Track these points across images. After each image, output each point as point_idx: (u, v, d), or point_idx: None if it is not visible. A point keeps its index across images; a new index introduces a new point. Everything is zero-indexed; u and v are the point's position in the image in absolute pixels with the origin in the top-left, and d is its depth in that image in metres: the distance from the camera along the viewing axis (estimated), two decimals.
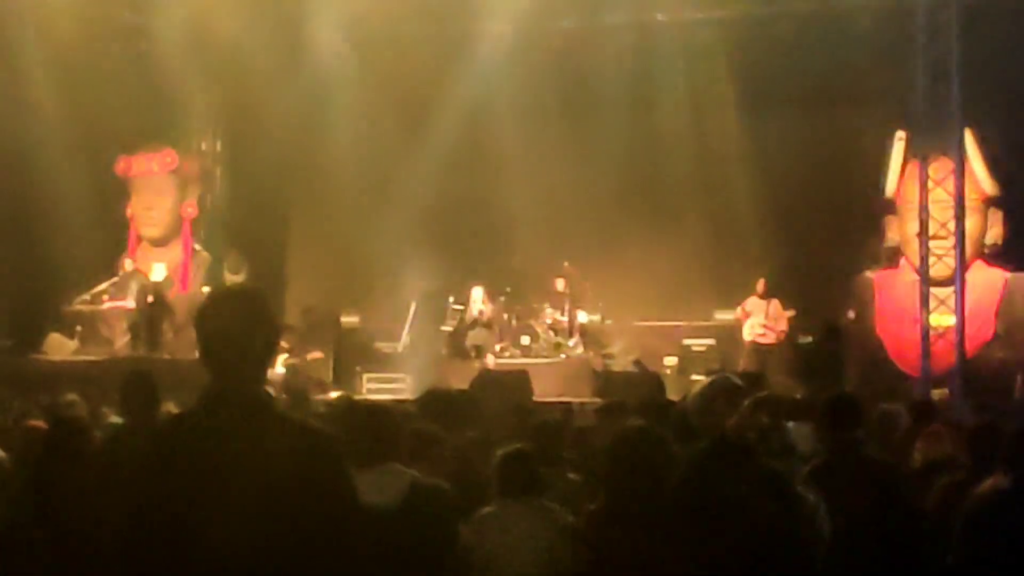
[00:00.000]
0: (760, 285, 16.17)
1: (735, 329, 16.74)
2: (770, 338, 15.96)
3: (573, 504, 5.60)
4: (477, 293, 17.40)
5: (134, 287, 17.57)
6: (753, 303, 16.33)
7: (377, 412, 5.46)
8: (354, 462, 5.11)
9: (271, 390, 3.95)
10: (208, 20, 17.59)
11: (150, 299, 17.33)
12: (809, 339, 13.72)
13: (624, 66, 17.57)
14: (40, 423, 7.31)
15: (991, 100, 14.38)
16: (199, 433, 3.61)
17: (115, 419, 7.44)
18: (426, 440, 5.88)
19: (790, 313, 16.03)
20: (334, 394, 13.55)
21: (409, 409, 7.97)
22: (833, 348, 12.58)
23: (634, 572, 4.71)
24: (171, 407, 6.43)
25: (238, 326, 3.70)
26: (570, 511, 5.42)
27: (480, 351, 17.00)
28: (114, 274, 18.09)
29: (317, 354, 16.30)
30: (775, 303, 16.17)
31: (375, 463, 5.20)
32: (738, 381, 5.63)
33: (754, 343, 16.05)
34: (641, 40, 17.69)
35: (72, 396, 9.08)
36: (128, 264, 18.11)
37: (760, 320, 16.05)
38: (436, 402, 8.34)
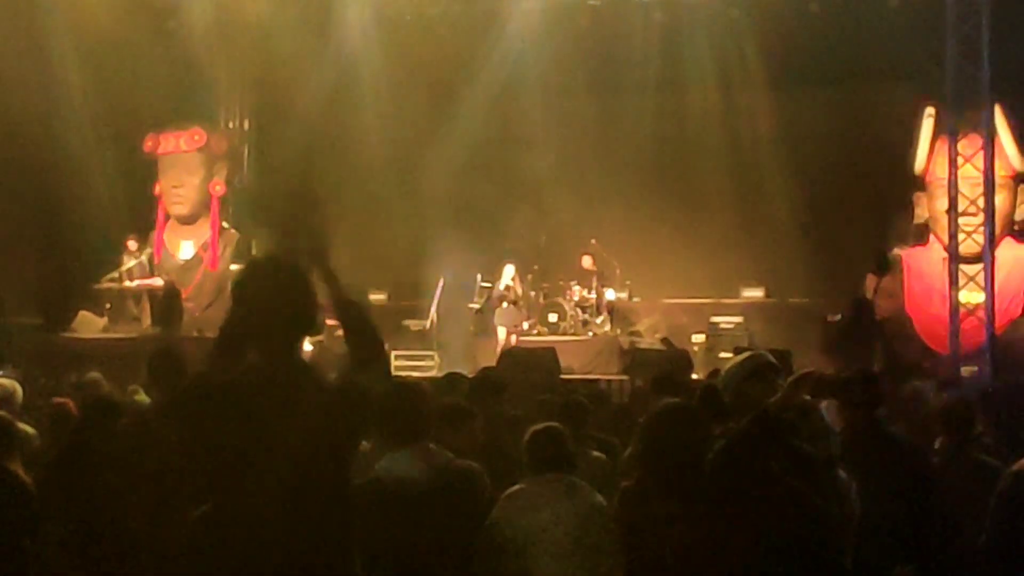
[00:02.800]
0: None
1: (764, 306, 16.76)
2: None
3: (599, 482, 5.59)
4: (509, 270, 17.40)
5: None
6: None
7: (409, 391, 5.44)
8: (386, 442, 5.14)
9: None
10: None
11: (167, 277, 17.44)
12: (839, 316, 13.61)
13: (652, 43, 17.48)
14: (67, 400, 7.33)
15: (1021, 76, 14.30)
16: (236, 397, 3.76)
17: (141, 397, 7.44)
18: (459, 414, 5.86)
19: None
20: None
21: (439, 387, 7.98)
22: (862, 325, 12.53)
23: (668, 551, 4.70)
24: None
25: (276, 295, 3.78)
26: (597, 489, 5.41)
27: (506, 327, 16.98)
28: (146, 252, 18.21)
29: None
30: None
31: (408, 442, 5.19)
32: (772, 359, 5.56)
33: None
34: (669, 17, 17.61)
35: (94, 374, 9.11)
36: (132, 244, 18.15)
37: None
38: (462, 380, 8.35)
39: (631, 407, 9.17)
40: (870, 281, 15.37)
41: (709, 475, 4.79)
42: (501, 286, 17.39)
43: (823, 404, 6.36)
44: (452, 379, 8.47)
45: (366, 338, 3.94)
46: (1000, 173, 14.34)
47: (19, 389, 8.03)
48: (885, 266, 15.12)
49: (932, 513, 5.85)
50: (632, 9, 17.78)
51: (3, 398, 7.53)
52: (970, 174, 13.78)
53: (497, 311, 17.28)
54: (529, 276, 17.60)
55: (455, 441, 5.62)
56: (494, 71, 17.57)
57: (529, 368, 13.11)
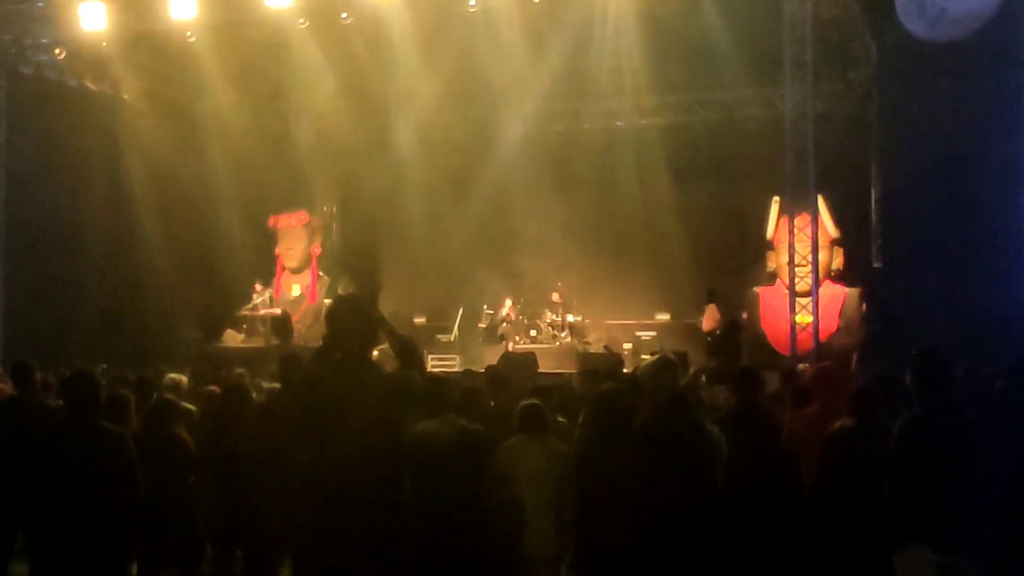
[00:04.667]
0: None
1: (669, 325, 16.82)
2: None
3: (562, 437, 5.59)
4: (508, 302, 17.41)
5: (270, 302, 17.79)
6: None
7: (438, 381, 5.48)
8: (424, 413, 5.16)
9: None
10: (327, 125, 17.71)
11: (282, 308, 17.44)
12: (717, 330, 13.65)
13: (595, 154, 17.63)
14: (217, 388, 7.33)
15: (834, 177, 14.35)
16: (330, 382, 3.83)
17: (272, 384, 7.45)
18: (477, 395, 5.87)
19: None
20: None
21: (459, 379, 7.97)
22: (735, 337, 12.52)
23: (608, 481, 4.72)
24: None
25: (354, 320, 3.82)
26: (561, 442, 5.42)
27: (504, 339, 16.98)
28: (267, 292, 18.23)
29: None
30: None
31: (438, 414, 5.22)
32: (674, 358, 5.58)
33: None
34: (607, 138, 17.78)
35: (240, 370, 9.10)
36: (258, 286, 18.10)
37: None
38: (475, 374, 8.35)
39: (581, 391, 9.13)
40: (710, 310, 15.55)
41: (640, 432, 4.81)
42: (503, 313, 17.39)
43: (718, 388, 6.35)
44: (468, 373, 8.51)
45: (408, 353, 4.00)
46: (821, 238, 14.37)
47: (184, 380, 8.00)
48: (715, 297, 15.36)
49: (778, 457, 5.75)
50: (582, 133, 17.96)
51: (173, 386, 7.51)
52: (802, 239, 13.78)
53: (500, 328, 17.25)
54: (517, 305, 17.58)
55: (473, 411, 5.61)
56: (493, 171, 17.64)
57: (518, 366, 13.07)
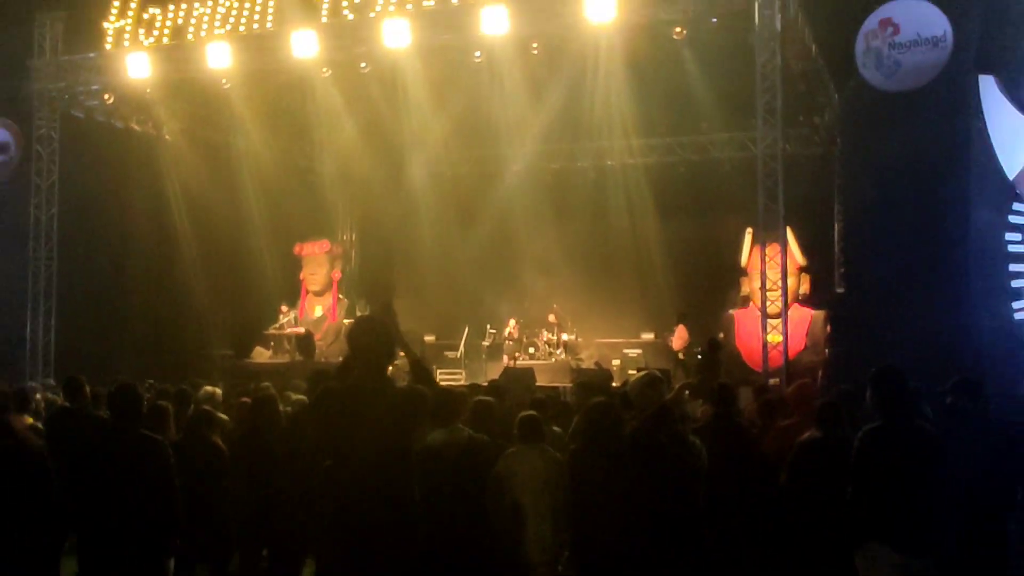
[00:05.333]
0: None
1: (653, 344, 16.79)
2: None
3: (556, 446, 5.59)
4: (512, 322, 17.40)
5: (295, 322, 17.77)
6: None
7: (447, 394, 5.47)
8: (434, 423, 5.16)
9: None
10: (347, 162, 17.77)
11: (306, 328, 17.43)
12: (700, 350, 13.60)
13: (588, 189, 17.70)
14: (248, 399, 7.33)
15: (801, 211, 14.39)
16: (348, 395, 3.82)
17: (297, 396, 7.46)
18: (486, 407, 5.87)
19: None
20: None
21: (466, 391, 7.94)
22: (715, 356, 12.44)
23: (600, 489, 4.70)
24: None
25: (371, 338, 3.82)
26: (556, 450, 5.41)
27: (506, 356, 16.95)
28: (293, 313, 18.23)
29: None
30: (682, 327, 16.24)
31: (447, 423, 5.21)
32: (659, 375, 5.59)
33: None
34: (598, 175, 17.85)
35: (266, 383, 9.08)
36: (284, 308, 18.10)
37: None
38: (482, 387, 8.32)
39: (574, 403, 9.12)
40: (680, 330, 15.53)
41: (630, 441, 4.80)
42: (506, 332, 17.38)
43: (699, 403, 6.35)
44: (474, 386, 8.46)
45: (419, 366, 4.01)
46: (790, 266, 14.35)
47: (219, 392, 8.01)
48: (684, 319, 15.45)
49: (756, 466, 5.78)
50: (576, 171, 18.02)
51: (208, 397, 7.52)
52: (773, 267, 13.77)
53: (504, 346, 17.21)
54: (518, 325, 17.57)
55: (485, 422, 5.60)
56: (496, 204, 17.64)
57: (518, 380, 13.03)
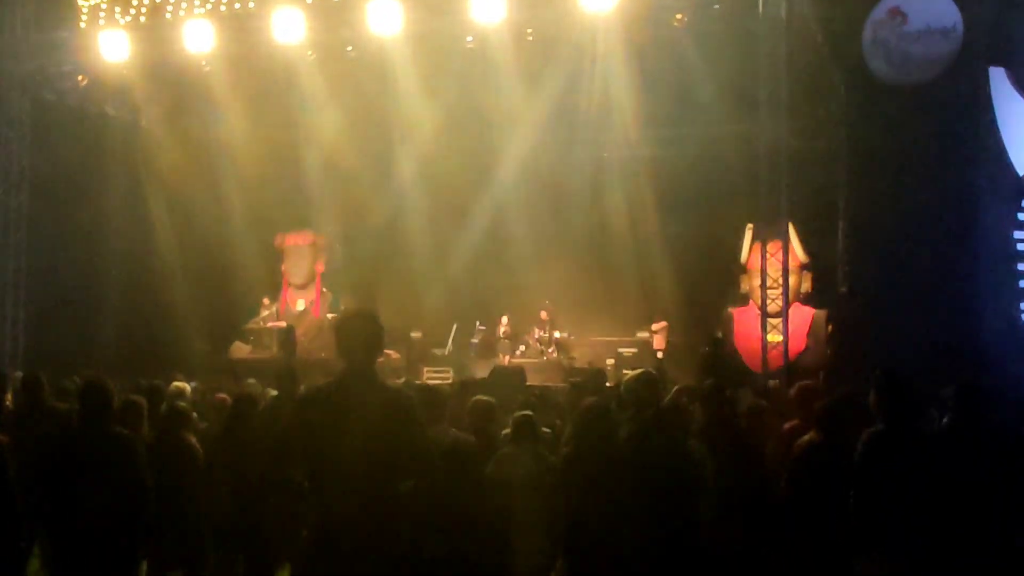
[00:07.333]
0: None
1: (650, 342, 16.79)
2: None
3: (546, 447, 5.56)
4: (505, 319, 17.37)
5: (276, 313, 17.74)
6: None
7: (433, 392, 5.44)
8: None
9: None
10: (334, 153, 17.69)
11: (288, 322, 17.37)
12: (707, 349, 13.55)
13: (584, 182, 17.58)
14: (225, 396, 7.29)
15: (804, 205, 14.39)
16: (335, 393, 3.76)
17: (272, 392, 7.42)
18: (486, 407, 5.84)
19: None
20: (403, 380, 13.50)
21: (454, 391, 7.93)
22: (720, 354, 12.40)
23: (595, 495, 4.67)
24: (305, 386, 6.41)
25: (360, 332, 3.77)
26: (548, 452, 5.39)
27: (498, 353, 16.94)
28: (274, 306, 18.17)
29: (395, 355, 16.23)
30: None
31: (432, 424, 5.16)
32: (655, 373, 5.55)
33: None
34: (595, 167, 17.78)
35: (252, 380, 9.08)
36: (266, 301, 18.05)
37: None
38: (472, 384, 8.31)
39: (566, 403, 9.10)
40: (662, 328, 15.75)
41: (625, 447, 4.76)
42: (501, 330, 17.34)
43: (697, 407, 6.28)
44: (464, 383, 8.47)
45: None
46: (791, 263, 14.38)
47: (188, 388, 8.01)
48: (720, 346, 15.25)
49: (755, 468, 5.74)
50: (573, 163, 17.90)
51: (177, 394, 7.49)
52: (774, 264, 13.80)
53: (499, 344, 17.15)
54: (510, 322, 17.53)
55: (480, 423, 5.59)
56: (488, 196, 17.53)
57: (508, 378, 13.03)
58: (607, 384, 12.28)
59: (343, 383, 3.77)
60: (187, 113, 16.60)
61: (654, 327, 16.55)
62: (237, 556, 5.98)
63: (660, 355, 16.15)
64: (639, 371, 5.56)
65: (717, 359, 13.39)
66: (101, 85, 15.14)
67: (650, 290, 17.10)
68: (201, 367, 14.63)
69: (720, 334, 15.33)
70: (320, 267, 18.90)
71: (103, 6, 14.18)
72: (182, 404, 6.51)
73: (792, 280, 14.41)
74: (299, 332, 17.07)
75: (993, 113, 12.03)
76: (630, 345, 17.17)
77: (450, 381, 14.45)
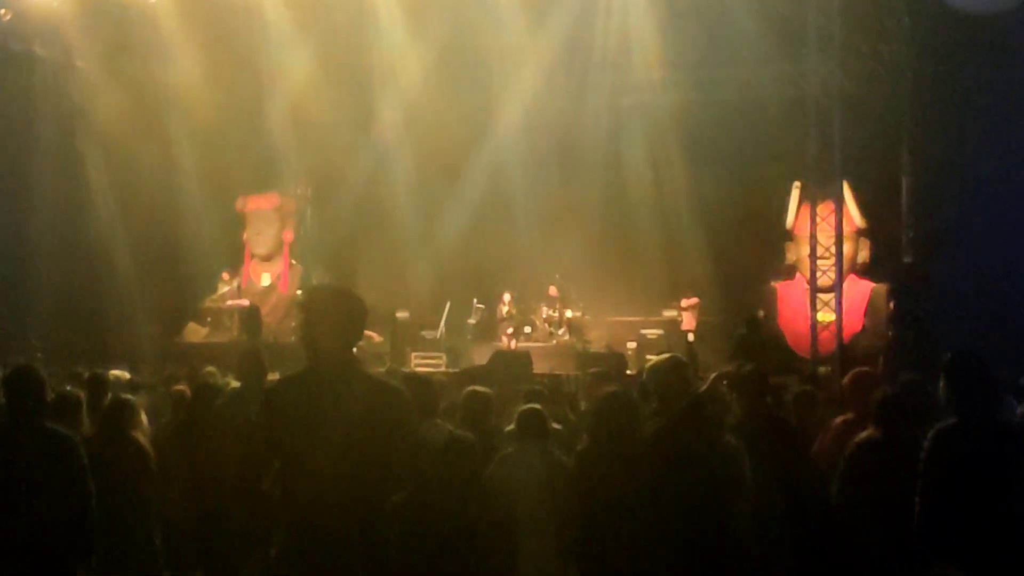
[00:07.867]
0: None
1: (677, 322, 16.81)
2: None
3: (556, 445, 5.56)
4: (507, 296, 17.43)
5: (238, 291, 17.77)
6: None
7: (423, 381, 5.44)
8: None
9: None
10: (304, 103, 17.65)
11: (251, 299, 17.41)
12: (743, 330, 13.63)
13: (600, 134, 17.58)
14: (183, 387, 7.30)
15: (861, 160, 14.37)
16: (309, 385, 3.73)
17: (233, 383, 7.42)
18: (482, 399, 5.82)
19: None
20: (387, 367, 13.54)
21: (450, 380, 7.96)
22: (760, 336, 12.45)
23: (613, 499, 4.68)
24: (274, 376, 6.42)
25: (335, 311, 3.75)
26: (561, 452, 5.39)
27: (497, 336, 16.96)
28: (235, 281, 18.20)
29: (377, 338, 16.24)
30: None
31: (422, 419, 5.16)
32: (684, 358, 5.56)
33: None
34: (612, 116, 17.74)
35: (211, 368, 9.09)
36: (226, 275, 18.10)
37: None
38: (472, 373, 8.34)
39: (579, 394, 9.14)
40: (693, 306, 15.87)
41: (651, 443, 4.75)
42: (504, 309, 17.40)
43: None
44: (463, 372, 8.47)
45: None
46: (846, 228, 14.40)
47: (126, 376, 8.05)
48: (758, 327, 15.31)
49: (802, 469, 5.73)
50: (586, 111, 17.85)
51: (119, 385, 7.53)
52: (825, 229, 13.81)
53: (500, 325, 17.23)
54: (513, 300, 17.58)
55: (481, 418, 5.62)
56: (485, 151, 17.56)
57: (511, 365, 13.09)
58: (628, 371, 12.36)
59: (317, 372, 3.75)
60: (130, 54, 16.55)
61: (683, 304, 16.56)
62: (194, 574, 6.01)
63: (691, 337, 16.16)
64: (666, 356, 5.57)
65: (756, 342, 13.41)
66: (28, 20, 15.07)
67: (678, 261, 17.11)
68: (150, 353, 14.67)
69: (761, 312, 15.33)
70: (288, 235, 18.93)
71: None
72: (128, 396, 6.51)
73: (847, 248, 14.43)
74: (264, 311, 17.11)
75: None
76: (655, 326, 17.23)
77: (443, 369, 14.51)
